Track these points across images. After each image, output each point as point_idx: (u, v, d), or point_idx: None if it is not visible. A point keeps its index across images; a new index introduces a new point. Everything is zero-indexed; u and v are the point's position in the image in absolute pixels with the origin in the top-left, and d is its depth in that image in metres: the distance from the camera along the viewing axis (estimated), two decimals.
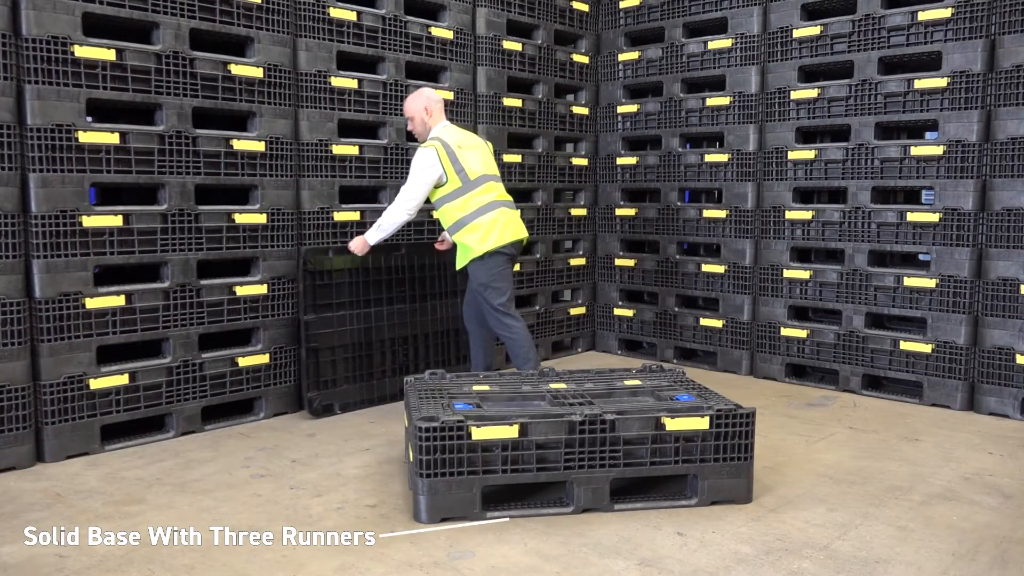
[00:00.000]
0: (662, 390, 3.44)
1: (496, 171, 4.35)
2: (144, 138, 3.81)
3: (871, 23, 4.79)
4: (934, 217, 4.62)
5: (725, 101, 5.42)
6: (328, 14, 4.46)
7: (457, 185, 4.13)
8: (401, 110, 4.82)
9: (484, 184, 4.19)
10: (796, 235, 5.17)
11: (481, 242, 4.13)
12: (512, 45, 5.44)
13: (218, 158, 4.08)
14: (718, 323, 5.54)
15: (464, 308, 4.50)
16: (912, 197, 5.21)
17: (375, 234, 4.22)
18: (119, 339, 3.80)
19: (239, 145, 4.14)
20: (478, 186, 4.16)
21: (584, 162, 6.09)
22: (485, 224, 4.14)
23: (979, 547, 2.82)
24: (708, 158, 5.54)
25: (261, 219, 4.26)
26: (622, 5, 5.96)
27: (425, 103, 4.26)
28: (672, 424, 3.07)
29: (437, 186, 4.17)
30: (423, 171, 4.11)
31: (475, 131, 5.29)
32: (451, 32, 5.05)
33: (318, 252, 4.38)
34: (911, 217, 4.70)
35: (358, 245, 4.28)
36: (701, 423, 3.09)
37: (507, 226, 4.18)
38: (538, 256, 5.76)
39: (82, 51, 3.58)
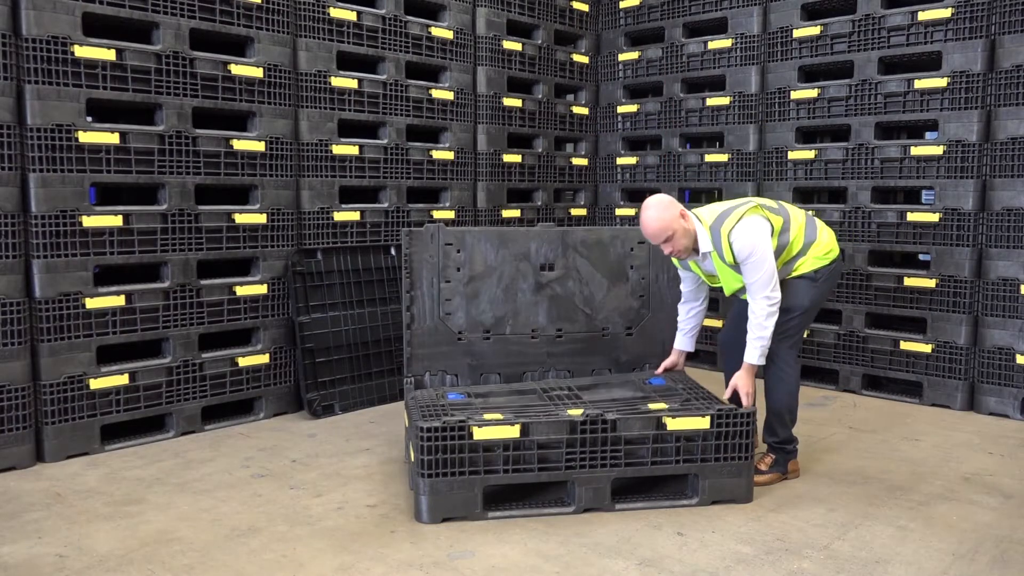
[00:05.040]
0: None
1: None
2: (144, 138, 3.81)
3: (871, 23, 4.79)
4: (934, 217, 4.62)
5: (725, 101, 5.42)
6: (328, 14, 4.46)
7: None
8: (401, 110, 4.82)
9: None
10: None
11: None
12: (512, 45, 5.44)
13: (218, 158, 4.07)
14: (717, 323, 5.53)
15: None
16: (912, 197, 5.21)
17: (759, 349, 3.29)
18: (119, 339, 3.80)
19: (239, 145, 4.14)
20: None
21: (584, 162, 6.09)
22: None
23: (979, 547, 2.82)
24: (708, 158, 5.53)
25: (261, 219, 4.26)
26: (622, 5, 5.96)
27: (678, 210, 3.28)
28: (673, 424, 3.08)
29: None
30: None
31: (475, 131, 5.30)
32: (451, 32, 5.05)
33: (306, 253, 4.39)
34: (911, 217, 4.70)
35: (748, 386, 3.27)
36: (702, 423, 3.09)
37: None
38: None
39: (82, 51, 3.58)
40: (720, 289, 3.46)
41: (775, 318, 3.25)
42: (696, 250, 3.35)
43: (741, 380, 3.27)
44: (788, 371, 3.41)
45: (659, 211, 3.25)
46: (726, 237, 3.24)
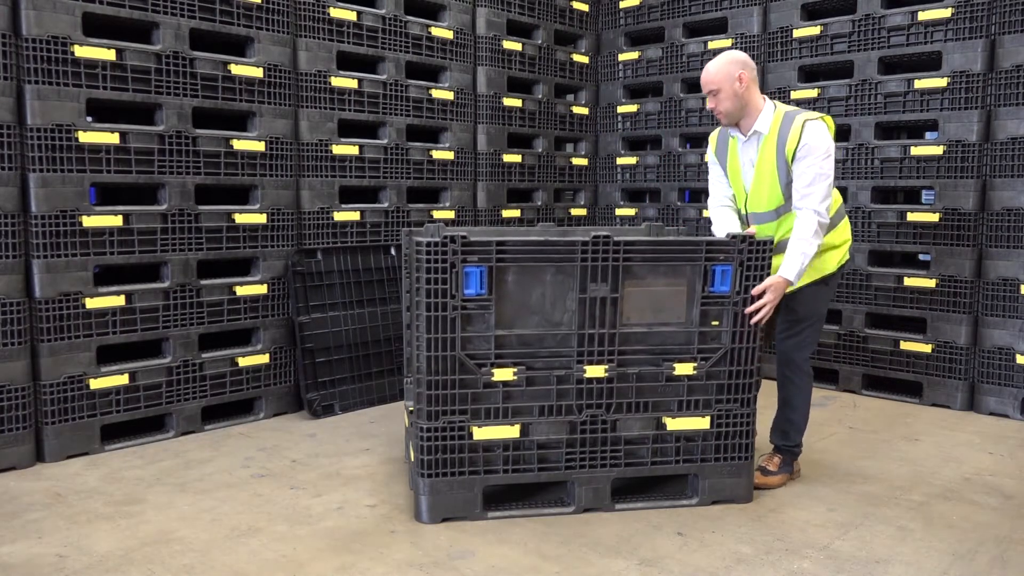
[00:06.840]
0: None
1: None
2: (144, 138, 3.81)
3: (871, 23, 4.79)
4: (934, 217, 4.62)
5: None
6: (328, 14, 4.46)
7: None
8: (401, 110, 4.82)
9: None
10: None
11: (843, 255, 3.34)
12: (512, 45, 5.44)
13: (218, 158, 4.07)
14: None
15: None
16: (912, 197, 5.21)
17: (798, 264, 3.06)
18: (119, 339, 3.80)
19: (239, 145, 4.14)
20: None
21: (584, 162, 6.09)
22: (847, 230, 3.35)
23: (979, 547, 2.82)
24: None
25: (261, 219, 4.26)
26: (622, 5, 5.96)
27: (740, 72, 3.11)
28: (673, 424, 3.08)
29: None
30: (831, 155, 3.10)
31: (475, 131, 5.30)
32: (451, 32, 5.05)
33: (306, 253, 4.39)
34: (911, 217, 4.70)
35: (774, 300, 3.04)
36: (702, 423, 3.09)
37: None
38: None
39: (82, 51, 3.58)
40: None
41: (820, 239, 3.10)
42: (739, 126, 3.21)
43: (771, 288, 3.00)
44: (807, 381, 3.41)
45: (721, 63, 3.14)
46: (800, 124, 3.07)
